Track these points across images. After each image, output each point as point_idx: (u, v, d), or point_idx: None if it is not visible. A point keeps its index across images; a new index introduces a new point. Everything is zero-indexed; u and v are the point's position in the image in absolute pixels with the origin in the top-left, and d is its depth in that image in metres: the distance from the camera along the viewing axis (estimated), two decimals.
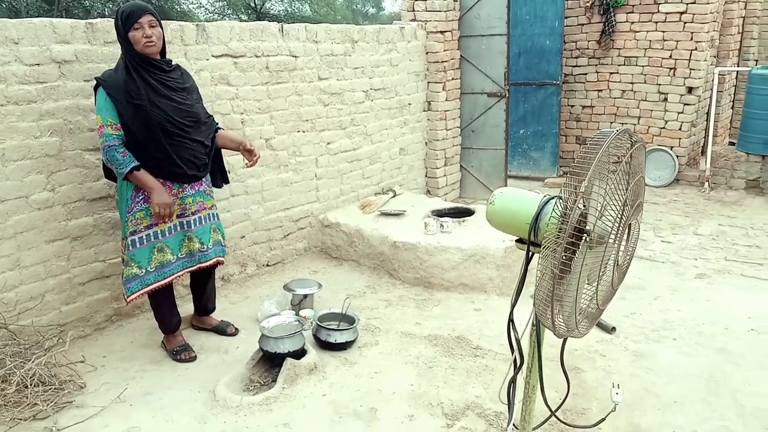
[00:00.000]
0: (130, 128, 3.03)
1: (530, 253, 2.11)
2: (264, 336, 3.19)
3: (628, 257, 2.14)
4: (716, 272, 4.58)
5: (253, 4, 22.98)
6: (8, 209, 3.18)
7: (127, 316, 3.80)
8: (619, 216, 1.84)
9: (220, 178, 3.59)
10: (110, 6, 17.46)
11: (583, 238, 1.87)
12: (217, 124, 3.49)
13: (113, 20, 3.21)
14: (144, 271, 3.18)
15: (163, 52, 3.18)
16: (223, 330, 3.67)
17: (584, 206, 1.83)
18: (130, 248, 3.15)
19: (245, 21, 5.08)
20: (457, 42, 6.03)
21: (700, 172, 6.85)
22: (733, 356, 3.39)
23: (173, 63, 3.27)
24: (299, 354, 3.20)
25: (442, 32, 5.81)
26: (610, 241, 1.91)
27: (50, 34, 3.25)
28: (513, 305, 2.25)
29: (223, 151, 3.57)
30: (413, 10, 5.85)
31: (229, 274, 4.39)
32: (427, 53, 5.88)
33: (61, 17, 11.69)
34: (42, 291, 3.36)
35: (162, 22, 3.17)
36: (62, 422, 2.81)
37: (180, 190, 3.23)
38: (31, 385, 2.85)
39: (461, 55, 6.10)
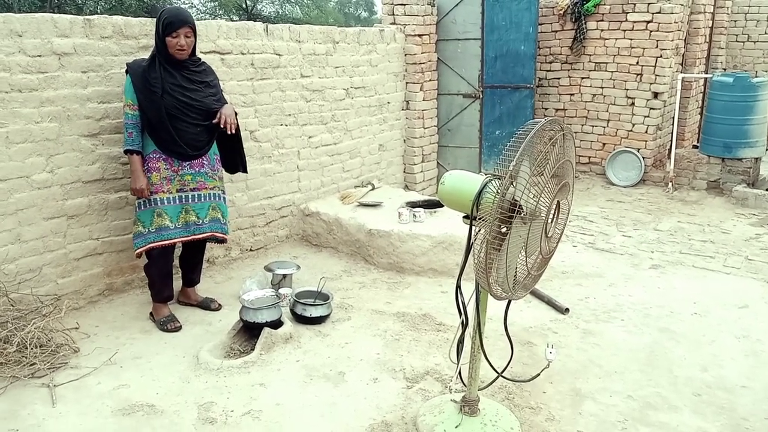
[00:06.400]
0: (145, 111, 3.48)
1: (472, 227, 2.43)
2: (244, 307, 3.49)
3: (558, 231, 2.47)
4: (670, 263, 4.91)
5: (244, 6, 23.25)
6: (10, 187, 3.47)
7: (118, 292, 4.09)
8: (541, 191, 2.16)
9: (240, 165, 3.99)
10: (102, 3, 17.65)
11: (515, 210, 2.20)
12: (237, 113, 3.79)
13: (115, 17, 3.68)
14: (147, 230, 3.57)
15: (192, 52, 3.60)
16: (207, 305, 3.97)
17: (513, 182, 2.15)
18: (137, 210, 3.59)
19: (235, 21, 5.38)
20: (434, 45, 6.37)
21: (665, 173, 7.21)
22: (674, 335, 3.73)
23: (201, 61, 3.71)
24: (276, 324, 3.51)
25: (420, 35, 6.15)
26: (538, 214, 2.24)
27: (51, 28, 3.55)
28: (460, 273, 2.57)
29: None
30: (393, 14, 6.19)
31: (215, 257, 4.69)
32: (405, 55, 6.21)
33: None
34: (40, 264, 3.65)
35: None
36: (58, 380, 3.10)
37: (180, 167, 3.61)
38: (30, 346, 3.13)
39: (438, 58, 6.44)
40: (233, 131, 3.66)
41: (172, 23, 3.42)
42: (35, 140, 3.54)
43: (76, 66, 3.66)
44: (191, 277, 3.99)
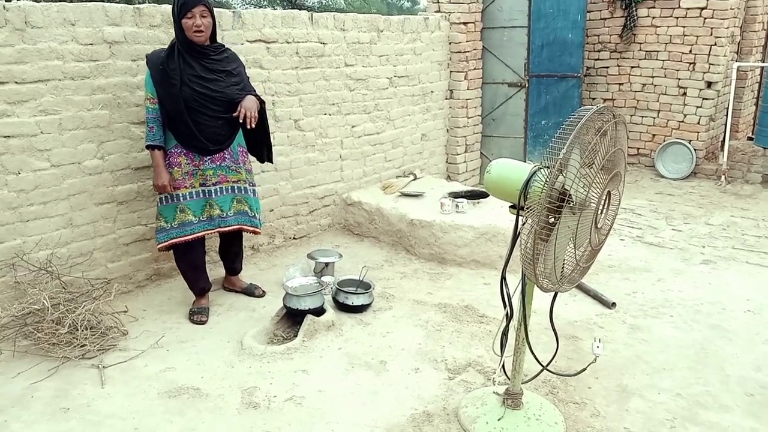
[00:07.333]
0: (164, 104, 3.40)
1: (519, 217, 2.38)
2: (288, 294, 3.52)
3: (608, 222, 2.40)
4: (722, 259, 4.75)
5: None
6: (63, 173, 3.57)
7: (165, 277, 4.18)
8: (592, 181, 2.10)
9: (265, 155, 3.86)
10: None
11: (565, 200, 2.14)
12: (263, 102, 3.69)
13: (164, 5, 3.64)
14: (170, 225, 3.54)
15: (213, 37, 3.50)
16: (251, 292, 4.01)
17: (562, 172, 2.09)
18: (159, 205, 3.57)
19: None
20: (479, 33, 6.29)
21: (718, 165, 6.97)
22: (725, 332, 3.60)
23: (223, 47, 3.57)
24: (319, 312, 3.53)
25: (465, 23, 6.07)
26: (588, 204, 2.17)
27: (102, 17, 3.62)
28: (506, 264, 2.52)
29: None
30: (438, 2, 6.11)
31: (259, 244, 4.74)
32: (450, 43, 6.14)
33: None
34: (91, 248, 3.75)
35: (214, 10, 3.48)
36: (107, 361, 3.19)
37: (201, 161, 3.53)
38: (80, 328, 3.22)
39: (483, 46, 6.35)
40: (253, 126, 3.48)
41: (185, 3, 3.29)
42: (87, 127, 3.63)
43: (126, 54, 3.73)
44: (231, 267, 4.01)
